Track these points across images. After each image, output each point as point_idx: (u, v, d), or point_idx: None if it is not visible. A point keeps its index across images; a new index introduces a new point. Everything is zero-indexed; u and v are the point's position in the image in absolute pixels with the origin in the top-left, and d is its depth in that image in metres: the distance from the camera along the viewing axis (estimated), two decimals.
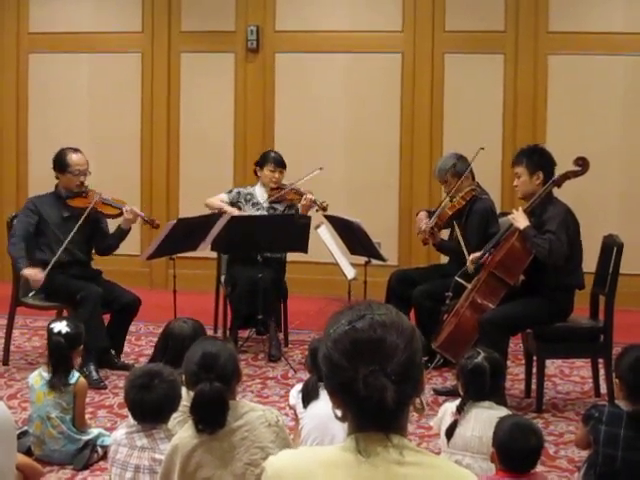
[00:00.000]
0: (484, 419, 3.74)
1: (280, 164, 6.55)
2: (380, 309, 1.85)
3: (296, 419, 4.00)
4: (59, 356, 4.44)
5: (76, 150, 6.01)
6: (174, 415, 3.56)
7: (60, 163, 5.97)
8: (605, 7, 7.90)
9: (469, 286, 5.46)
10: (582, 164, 5.32)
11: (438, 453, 3.87)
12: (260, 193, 6.57)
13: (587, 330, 5.35)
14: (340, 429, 3.38)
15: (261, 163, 6.61)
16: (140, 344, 6.52)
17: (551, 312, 5.24)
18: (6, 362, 6.02)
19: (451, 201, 6.03)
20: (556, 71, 7.97)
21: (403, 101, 8.22)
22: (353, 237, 6.28)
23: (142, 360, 5.95)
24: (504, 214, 6.03)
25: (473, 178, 6.10)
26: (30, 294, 5.86)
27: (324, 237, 6.19)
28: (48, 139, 8.72)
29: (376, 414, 1.79)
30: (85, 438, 4.42)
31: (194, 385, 3.20)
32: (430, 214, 6.16)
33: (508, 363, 5.40)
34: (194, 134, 8.58)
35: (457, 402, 3.89)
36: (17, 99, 8.84)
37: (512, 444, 3.33)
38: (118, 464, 3.48)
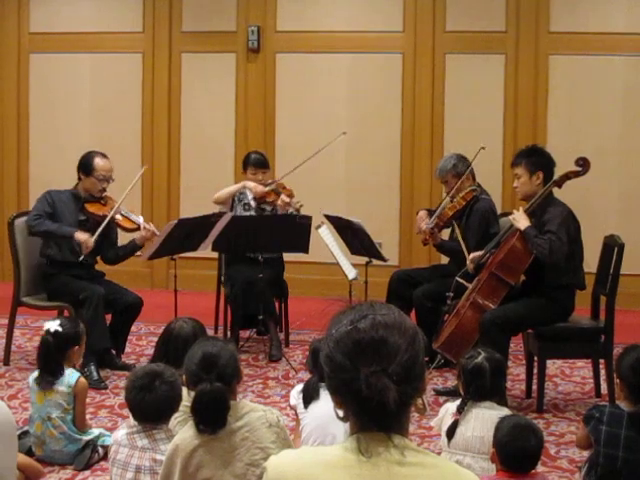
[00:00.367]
0: (485, 419, 3.74)
1: (260, 165, 6.54)
2: (382, 309, 1.85)
3: (297, 419, 4.00)
4: (45, 355, 4.42)
5: (104, 155, 5.97)
6: (175, 415, 3.56)
7: (86, 165, 5.92)
8: (606, 7, 7.90)
9: (470, 286, 5.47)
10: (583, 164, 5.32)
11: (439, 453, 3.86)
12: (250, 193, 6.58)
13: (588, 330, 5.35)
14: (341, 429, 3.39)
15: (244, 166, 6.61)
16: (141, 344, 6.52)
17: (552, 312, 5.24)
18: (7, 362, 6.02)
19: (452, 201, 6.03)
20: (557, 71, 7.97)
21: (404, 101, 8.23)
22: (354, 237, 6.28)
23: (143, 360, 5.95)
24: (505, 214, 6.03)
25: (474, 178, 6.10)
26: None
27: (325, 237, 6.19)
28: (49, 139, 8.75)
29: (378, 414, 1.79)
30: (86, 438, 4.42)
31: (195, 385, 3.20)
32: (430, 213, 6.17)
33: (509, 363, 5.40)
34: (195, 134, 8.58)
35: (458, 402, 3.89)
36: (18, 99, 8.84)
37: (512, 444, 3.33)
38: (119, 464, 3.48)
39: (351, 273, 6.06)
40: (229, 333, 6.41)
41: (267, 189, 6.47)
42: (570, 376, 5.95)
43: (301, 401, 3.90)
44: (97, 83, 8.69)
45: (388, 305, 1.89)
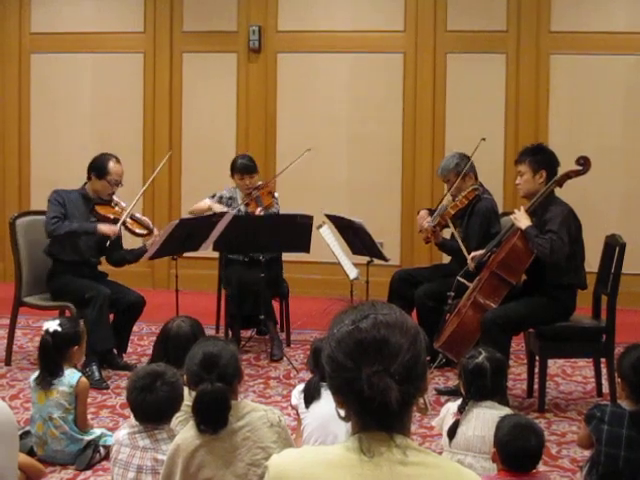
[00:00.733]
0: (486, 419, 3.73)
1: (247, 170, 6.51)
2: (384, 309, 1.85)
3: (298, 419, 4.00)
4: (45, 355, 4.43)
5: (117, 160, 5.96)
6: (176, 415, 3.56)
7: (100, 168, 5.91)
8: (607, 7, 7.90)
9: (471, 286, 5.47)
10: (584, 163, 5.32)
11: (440, 453, 3.86)
12: (240, 198, 6.58)
13: (589, 330, 5.35)
14: (342, 429, 3.39)
15: (231, 172, 6.59)
16: (142, 344, 6.52)
17: (553, 312, 5.24)
18: (8, 362, 6.02)
19: (454, 200, 6.03)
20: (558, 71, 7.97)
21: (405, 101, 8.23)
22: (355, 237, 6.28)
23: (144, 360, 5.95)
24: (506, 214, 6.02)
25: (476, 178, 6.10)
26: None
27: (326, 237, 6.19)
28: (50, 139, 8.75)
29: (380, 414, 1.79)
30: (87, 438, 4.42)
31: (196, 385, 3.20)
32: (431, 212, 6.17)
33: (510, 363, 5.40)
34: (196, 134, 8.58)
35: (459, 402, 3.89)
36: (19, 99, 8.85)
37: (512, 444, 3.33)
38: (120, 464, 3.48)
39: (352, 273, 6.06)
40: (230, 333, 6.41)
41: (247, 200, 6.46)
42: (571, 375, 5.95)
43: (302, 401, 3.90)
44: (98, 83, 8.70)
45: (389, 305, 1.89)
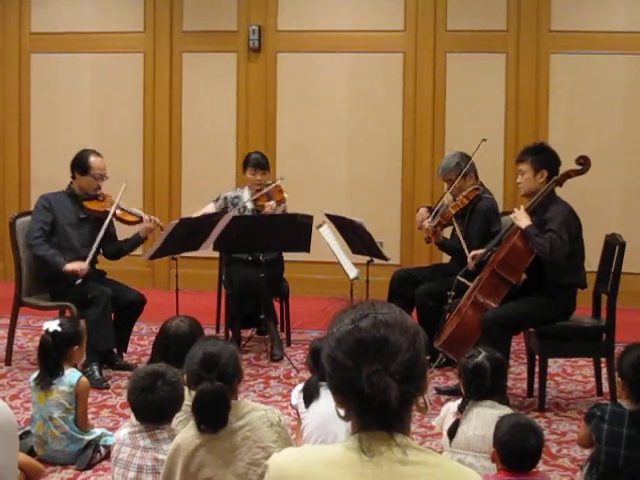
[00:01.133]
0: (486, 418, 3.73)
1: (260, 166, 6.52)
2: (383, 308, 1.85)
3: (298, 419, 4.00)
4: (44, 355, 4.43)
5: (98, 154, 5.99)
6: (177, 414, 3.56)
7: (81, 164, 5.93)
8: (607, 6, 7.90)
9: (471, 285, 5.47)
10: (584, 163, 5.32)
11: (440, 452, 3.86)
12: (247, 195, 6.57)
13: (589, 329, 5.35)
14: (342, 428, 3.39)
15: (244, 167, 6.61)
16: (142, 344, 6.52)
17: (553, 311, 5.24)
18: (9, 362, 6.02)
19: (454, 200, 6.04)
20: (558, 70, 7.97)
21: (405, 100, 8.22)
22: (355, 236, 6.28)
23: (144, 360, 5.94)
24: (506, 213, 6.02)
25: (477, 177, 6.10)
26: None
27: (326, 236, 6.19)
28: (50, 139, 8.74)
29: (380, 413, 1.79)
30: (88, 438, 4.42)
31: (196, 385, 3.20)
32: (430, 210, 6.17)
33: (510, 362, 5.40)
34: (196, 134, 8.58)
35: (459, 401, 3.89)
36: (19, 99, 8.84)
37: (511, 443, 3.33)
38: (121, 464, 3.48)
39: (352, 272, 6.06)
40: (230, 333, 6.41)
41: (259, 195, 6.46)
42: (571, 375, 5.95)
43: (302, 400, 3.90)
44: (98, 83, 8.69)
45: (389, 304, 1.89)
